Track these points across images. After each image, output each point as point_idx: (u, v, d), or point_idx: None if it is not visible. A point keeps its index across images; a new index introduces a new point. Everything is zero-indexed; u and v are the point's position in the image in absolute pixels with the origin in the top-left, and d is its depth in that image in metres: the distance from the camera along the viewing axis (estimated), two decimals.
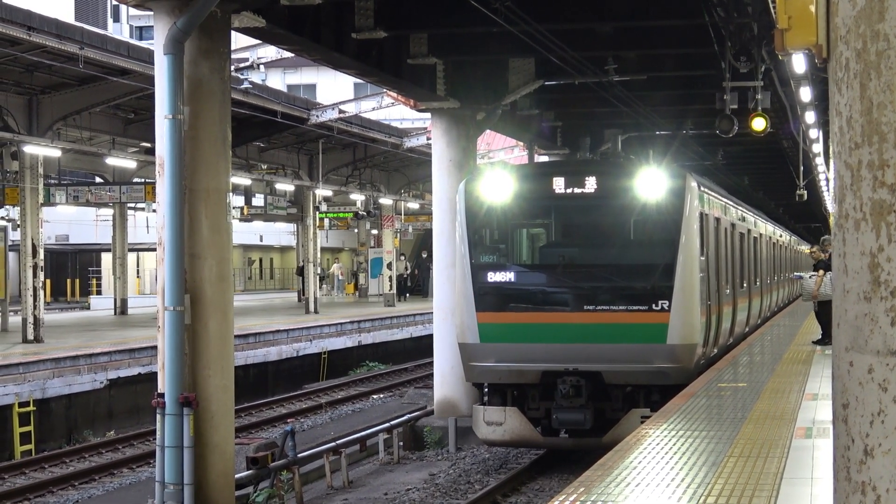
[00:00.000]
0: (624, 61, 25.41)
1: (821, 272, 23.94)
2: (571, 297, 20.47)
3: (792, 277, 46.64)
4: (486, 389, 21.26)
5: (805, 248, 58.90)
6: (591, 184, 20.42)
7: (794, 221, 74.74)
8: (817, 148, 31.98)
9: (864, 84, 4.16)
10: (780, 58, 19.78)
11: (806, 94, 21.54)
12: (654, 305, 19.80)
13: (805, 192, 39.33)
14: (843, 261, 4.27)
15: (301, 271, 66.08)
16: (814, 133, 28.42)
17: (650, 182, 20.07)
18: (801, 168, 36.86)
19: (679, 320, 19.76)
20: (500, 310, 20.51)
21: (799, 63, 18.40)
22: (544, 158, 36.02)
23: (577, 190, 20.49)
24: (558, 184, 20.58)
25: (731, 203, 27.08)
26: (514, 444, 21.72)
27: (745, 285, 28.41)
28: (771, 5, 15.81)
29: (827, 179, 39.46)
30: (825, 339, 24.28)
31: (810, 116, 24.79)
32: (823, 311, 24.24)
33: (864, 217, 4.16)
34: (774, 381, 18.52)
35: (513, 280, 20.77)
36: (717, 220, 23.60)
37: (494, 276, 20.59)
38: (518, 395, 20.82)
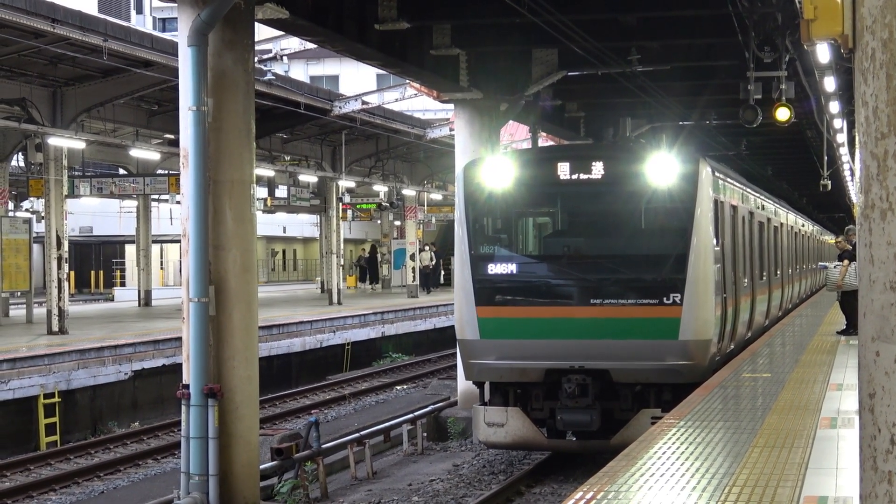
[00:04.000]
0: (647, 51, 25.38)
1: (845, 262, 23.85)
2: (577, 289, 19.37)
3: (818, 267, 46.56)
4: (488, 388, 20.17)
5: (829, 238, 58.80)
6: (598, 169, 19.32)
7: (818, 211, 74.57)
8: (841, 138, 31.88)
9: (890, 74, 4.16)
10: (804, 47, 19.72)
11: (830, 83, 21.43)
12: (665, 299, 18.68)
13: (829, 182, 39.27)
14: (870, 251, 4.27)
15: (369, 261, 66.72)
16: (838, 123, 28.32)
17: (661, 167, 18.97)
18: (825, 158, 36.77)
19: (692, 314, 18.65)
20: (502, 304, 19.40)
21: (823, 53, 18.29)
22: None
23: (583, 176, 19.37)
24: (563, 169, 19.45)
25: (749, 190, 26.03)
26: (516, 447, 20.56)
27: (764, 276, 27.45)
28: None
29: (851, 169, 39.36)
30: (849, 329, 24.22)
31: (834, 106, 24.68)
32: (847, 300, 24.16)
33: (890, 207, 4.16)
34: (798, 372, 18.45)
35: (515, 272, 19.60)
36: (734, 207, 22.61)
37: (495, 268, 19.48)
38: (521, 395, 19.77)
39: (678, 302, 18.67)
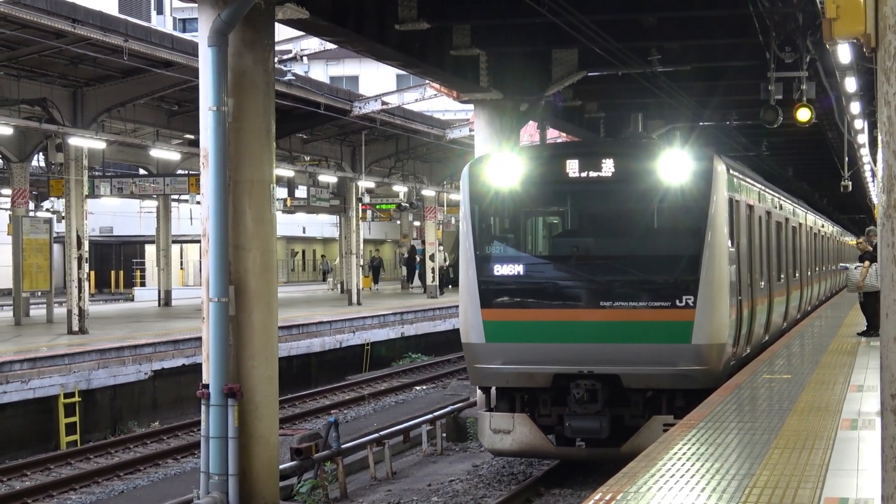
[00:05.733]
0: (667, 52, 25.31)
1: (866, 263, 23.76)
2: (586, 292, 18.57)
3: (839, 268, 46.43)
4: (493, 393, 19.45)
5: (849, 239, 58.67)
6: (608, 167, 18.50)
7: (839, 212, 74.41)
8: (862, 138, 31.78)
9: None
10: (826, 48, 19.65)
11: (851, 84, 21.34)
12: (677, 301, 17.92)
13: (850, 182, 39.18)
14: (892, 251, 4.25)
15: (408, 261, 67.04)
16: (859, 123, 28.22)
17: (674, 165, 18.19)
18: (846, 159, 36.69)
19: (705, 318, 17.88)
20: (508, 306, 18.75)
21: (844, 53, 18.19)
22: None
23: (592, 174, 18.55)
24: (572, 167, 18.63)
25: (766, 190, 25.35)
26: (523, 455, 19.79)
27: (782, 278, 26.80)
28: None
29: (872, 171, 39.26)
30: (870, 331, 24.14)
31: (855, 107, 24.60)
32: (868, 302, 24.08)
33: None
34: (819, 373, 18.38)
35: (521, 273, 18.87)
36: (750, 207, 21.91)
37: (501, 269, 18.78)
38: (528, 401, 19.03)
39: (691, 304, 17.95)
